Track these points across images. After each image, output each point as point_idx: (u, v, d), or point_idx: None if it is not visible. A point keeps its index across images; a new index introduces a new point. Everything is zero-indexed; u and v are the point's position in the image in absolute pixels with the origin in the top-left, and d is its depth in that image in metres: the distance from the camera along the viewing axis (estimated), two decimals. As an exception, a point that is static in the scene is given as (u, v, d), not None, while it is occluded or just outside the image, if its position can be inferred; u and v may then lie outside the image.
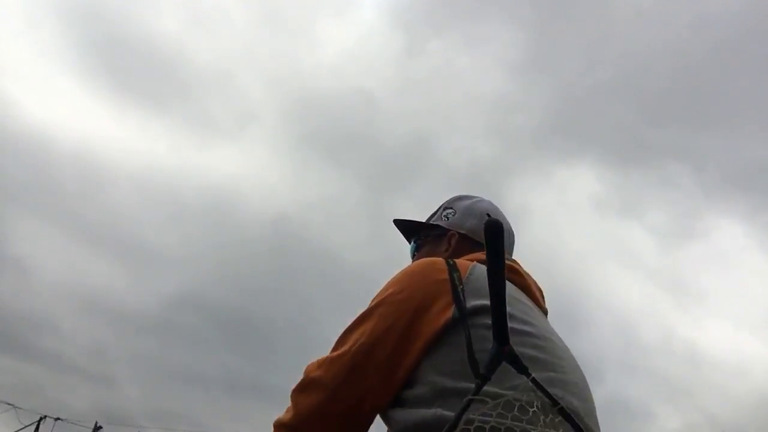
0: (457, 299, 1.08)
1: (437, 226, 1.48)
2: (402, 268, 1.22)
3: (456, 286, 1.11)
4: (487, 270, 0.91)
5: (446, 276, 1.13)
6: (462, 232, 1.43)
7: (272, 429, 1.18)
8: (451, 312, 1.07)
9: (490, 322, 1.03)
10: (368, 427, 1.14)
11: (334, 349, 1.15)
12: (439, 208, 1.54)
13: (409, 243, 1.58)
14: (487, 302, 1.07)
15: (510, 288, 1.20)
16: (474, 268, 1.17)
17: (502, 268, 0.89)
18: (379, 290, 1.20)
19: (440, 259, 1.20)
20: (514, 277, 1.27)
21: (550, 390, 0.96)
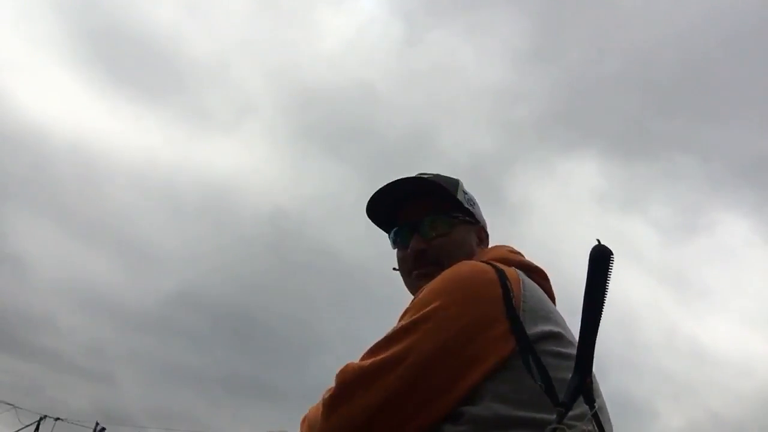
0: (517, 324, 1.01)
1: (469, 211, 1.34)
2: (448, 271, 1.10)
3: (513, 306, 1.03)
4: (586, 298, 0.84)
5: (499, 292, 1.04)
6: (486, 229, 1.40)
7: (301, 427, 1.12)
8: (513, 340, 1.00)
9: (554, 348, 1.02)
10: None
11: (373, 355, 1.04)
12: (460, 190, 1.34)
13: (421, 216, 1.31)
14: (547, 327, 1.04)
15: (547, 298, 1.14)
16: (525, 282, 1.10)
17: (602, 300, 0.83)
18: (419, 295, 1.09)
19: (488, 267, 1.10)
20: (545, 284, 1.21)
21: (600, 418, 0.97)
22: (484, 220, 1.40)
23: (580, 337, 0.86)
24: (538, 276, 1.21)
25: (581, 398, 0.87)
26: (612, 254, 0.81)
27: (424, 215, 1.30)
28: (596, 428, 0.91)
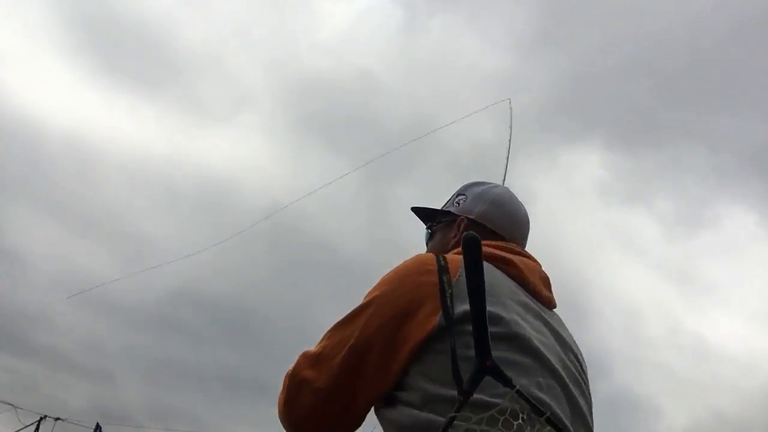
0: (445, 305, 1.07)
1: (449, 212, 1.49)
2: (400, 263, 1.21)
3: (444, 290, 1.09)
4: (467, 285, 0.90)
5: (435, 278, 1.11)
6: (471, 217, 1.43)
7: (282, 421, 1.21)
8: (437, 319, 1.06)
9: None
10: (361, 423, 1.17)
11: (323, 342, 1.17)
12: (454, 194, 1.54)
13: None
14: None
15: (506, 283, 1.19)
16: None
17: (481, 284, 0.88)
18: (373, 285, 1.20)
19: (432, 256, 1.18)
20: (510, 269, 1.25)
21: (538, 395, 1.01)
22: (471, 208, 1.45)
23: (472, 321, 0.91)
24: (503, 264, 1.24)
25: (493, 380, 0.91)
26: (479, 240, 0.88)
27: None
28: (525, 404, 0.93)
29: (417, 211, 1.60)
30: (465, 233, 0.88)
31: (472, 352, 0.98)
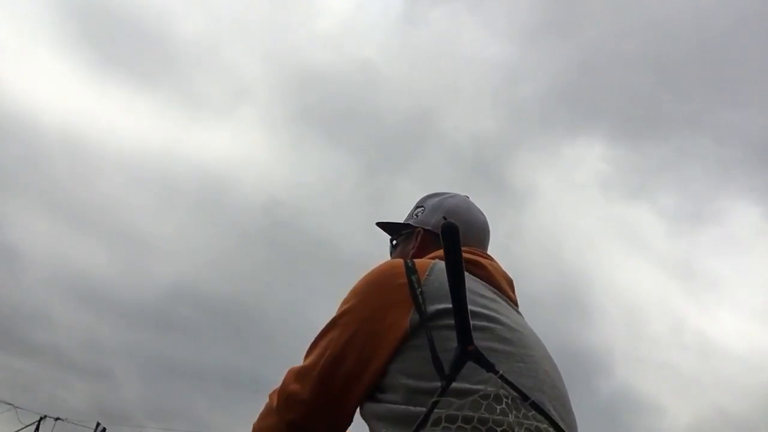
0: (417, 304, 1.11)
1: (409, 224, 1.56)
2: (368, 272, 1.25)
3: (415, 289, 1.13)
4: (447, 273, 0.93)
5: (404, 280, 1.16)
6: (427, 228, 1.50)
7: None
8: (409, 318, 1.10)
9: (452, 322, 1.06)
10: (349, 425, 1.20)
11: (306, 357, 1.21)
12: (414, 207, 1.61)
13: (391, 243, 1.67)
14: (447, 305, 1.09)
15: (474, 283, 1.22)
16: (433, 267, 1.19)
17: (461, 271, 0.91)
18: (346, 295, 1.24)
19: (399, 261, 1.23)
20: (478, 270, 1.30)
21: (520, 381, 1.02)
22: (428, 219, 1.51)
23: (453, 310, 0.94)
24: (471, 265, 1.28)
25: (477, 366, 0.94)
26: (457, 227, 0.90)
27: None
28: (510, 389, 0.96)
29: (382, 225, 1.66)
30: (444, 222, 0.91)
31: (450, 344, 1.01)
